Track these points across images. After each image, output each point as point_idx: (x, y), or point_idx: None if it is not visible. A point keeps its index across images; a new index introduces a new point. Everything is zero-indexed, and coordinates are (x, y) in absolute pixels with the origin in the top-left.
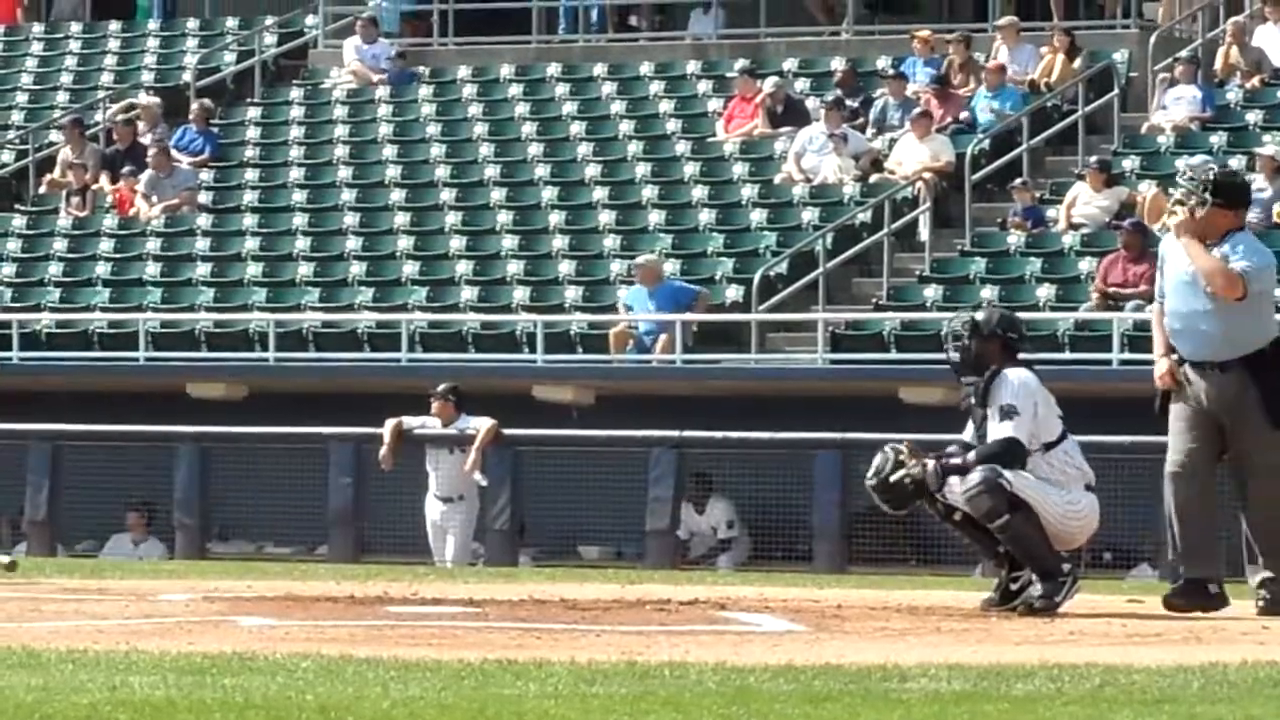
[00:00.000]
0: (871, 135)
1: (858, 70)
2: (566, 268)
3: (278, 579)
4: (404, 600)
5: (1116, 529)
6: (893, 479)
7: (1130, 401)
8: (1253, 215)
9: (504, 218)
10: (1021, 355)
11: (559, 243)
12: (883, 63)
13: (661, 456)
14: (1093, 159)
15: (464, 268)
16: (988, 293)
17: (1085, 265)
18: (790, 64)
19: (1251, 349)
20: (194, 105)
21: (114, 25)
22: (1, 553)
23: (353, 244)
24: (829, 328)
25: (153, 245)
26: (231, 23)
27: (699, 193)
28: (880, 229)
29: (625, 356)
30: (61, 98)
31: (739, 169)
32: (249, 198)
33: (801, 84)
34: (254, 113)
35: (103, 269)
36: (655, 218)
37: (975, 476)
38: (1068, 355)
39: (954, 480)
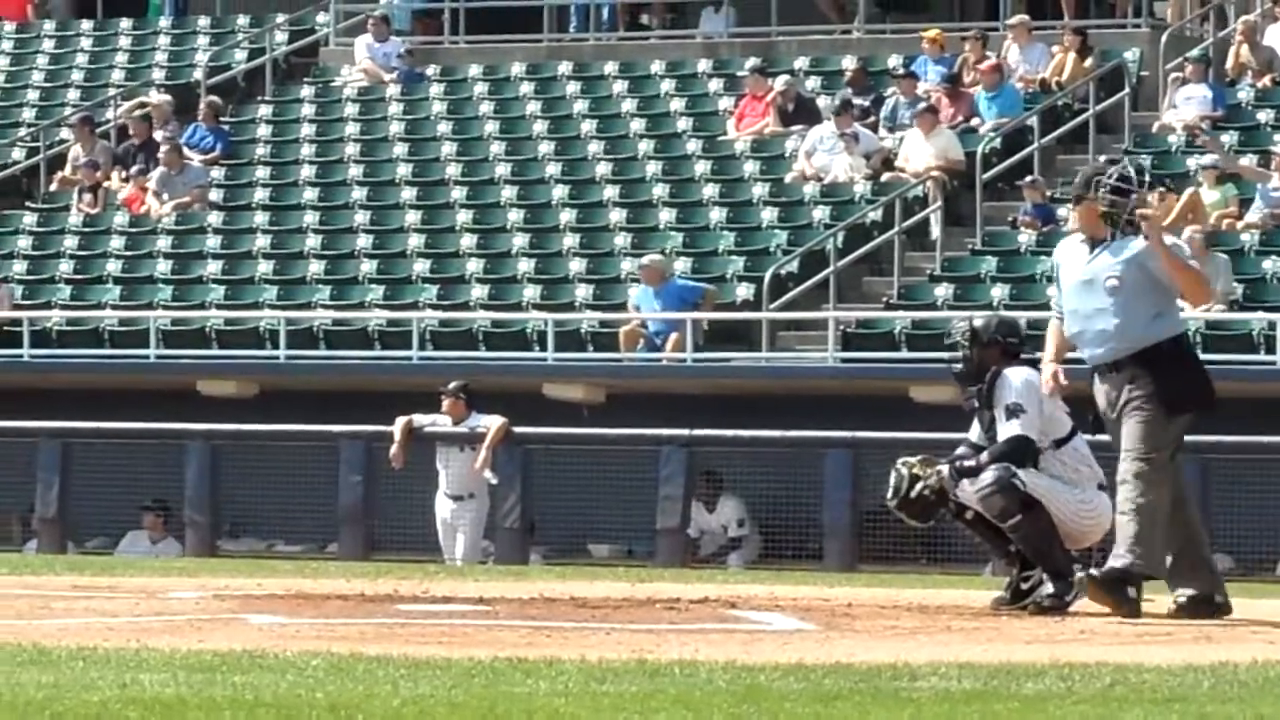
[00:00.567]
0: (883, 134)
1: (869, 69)
2: (577, 266)
3: (288, 577)
4: (414, 598)
5: None
6: (913, 494)
7: None
8: (1261, 213)
9: (515, 216)
10: (1024, 356)
11: (570, 241)
12: (894, 62)
13: (672, 455)
14: (1103, 158)
15: (475, 266)
16: (998, 291)
17: None
18: (801, 63)
19: (1149, 344)
20: (204, 103)
21: (125, 23)
22: None
23: (363, 242)
24: (840, 326)
25: (163, 243)
26: (243, 20)
27: (710, 191)
28: (891, 228)
29: (635, 355)
30: (73, 95)
31: (750, 167)
32: (260, 195)
33: (812, 83)
34: (265, 110)
35: (113, 266)
36: (666, 216)
37: (988, 476)
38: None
39: (966, 480)
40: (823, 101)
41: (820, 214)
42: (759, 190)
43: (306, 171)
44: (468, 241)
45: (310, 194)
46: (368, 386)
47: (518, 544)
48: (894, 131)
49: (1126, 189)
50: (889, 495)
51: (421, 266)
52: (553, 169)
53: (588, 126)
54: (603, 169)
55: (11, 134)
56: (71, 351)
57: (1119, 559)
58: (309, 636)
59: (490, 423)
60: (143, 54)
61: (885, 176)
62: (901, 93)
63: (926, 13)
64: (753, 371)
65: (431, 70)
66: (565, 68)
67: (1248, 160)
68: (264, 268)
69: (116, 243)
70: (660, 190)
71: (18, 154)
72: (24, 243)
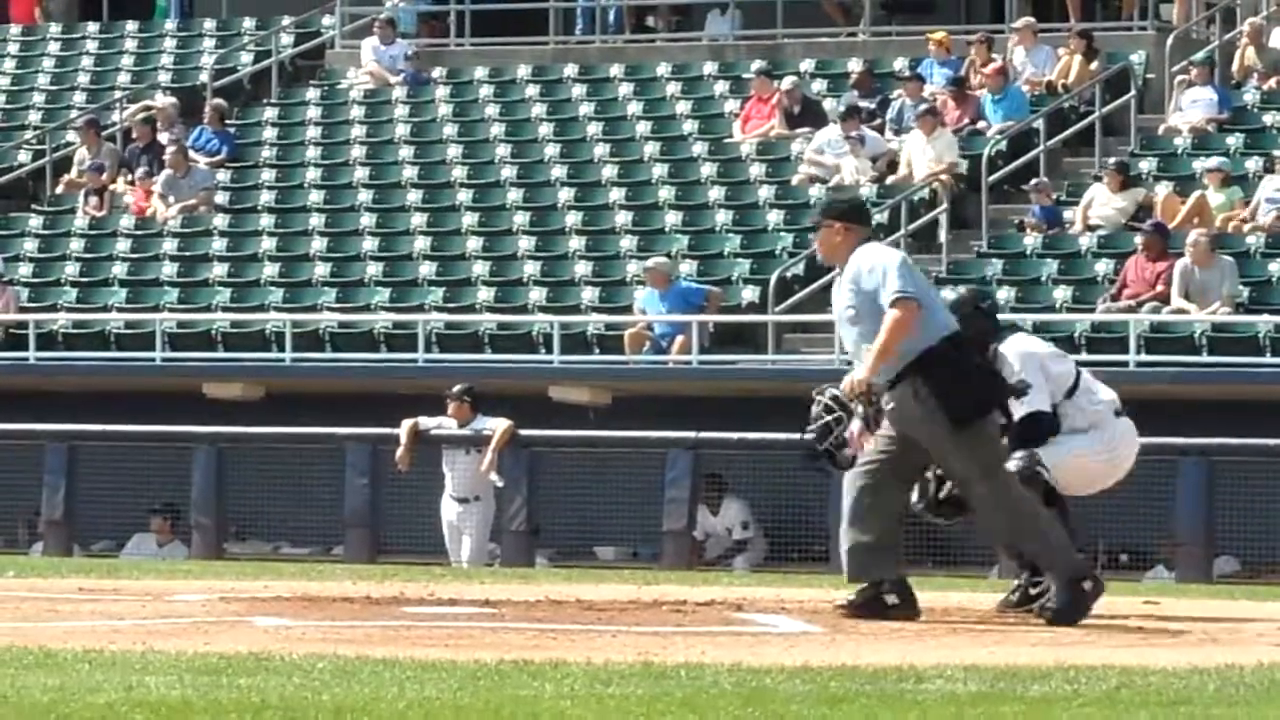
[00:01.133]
0: (888, 137)
1: (874, 71)
2: (583, 268)
3: (294, 579)
4: (420, 601)
5: (1132, 531)
6: (942, 494)
7: (1147, 403)
8: (1268, 216)
9: (520, 218)
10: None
11: (575, 243)
12: (900, 64)
13: (678, 458)
14: (1110, 160)
15: (480, 268)
16: (1004, 294)
17: (1102, 267)
18: (807, 65)
19: (916, 354)
20: (209, 105)
21: (131, 25)
22: None
23: (369, 245)
24: None
25: (169, 246)
26: (248, 23)
27: (715, 194)
28: (897, 230)
29: (641, 357)
30: (78, 98)
31: (756, 170)
32: (265, 198)
33: (818, 85)
34: (271, 113)
35: (119, 269)
36: (672, 218)
37: (1013, 466)
38: (1085, 356)
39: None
40: (828, 104)
41: None
42: (764, 193)
43: (312, 174)
44: (473, 244)
45: (316, 197)
46: (373, 389)
47: (523, 546)
48: (900, 134)
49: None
50: (915, 500)
51: (427, 269)
52: (558, 171)
53: (593, 129)
54: (608, 171)
55: (17, 136)
56: (77, 354)
57: (1053, 588)
58: (315, 639)
59: (496, 425)
60: (148, 57)
61: (891, 179)
62: (907, 95)
63: (932, 15)
64: (758, 374)
65: (437, 73)
66: (571, 70)
67: (1254, 163)
68: (269, 270)
69: (122, 245)
70: (666, 193)
71: (24, 157)
72: (30, 245)
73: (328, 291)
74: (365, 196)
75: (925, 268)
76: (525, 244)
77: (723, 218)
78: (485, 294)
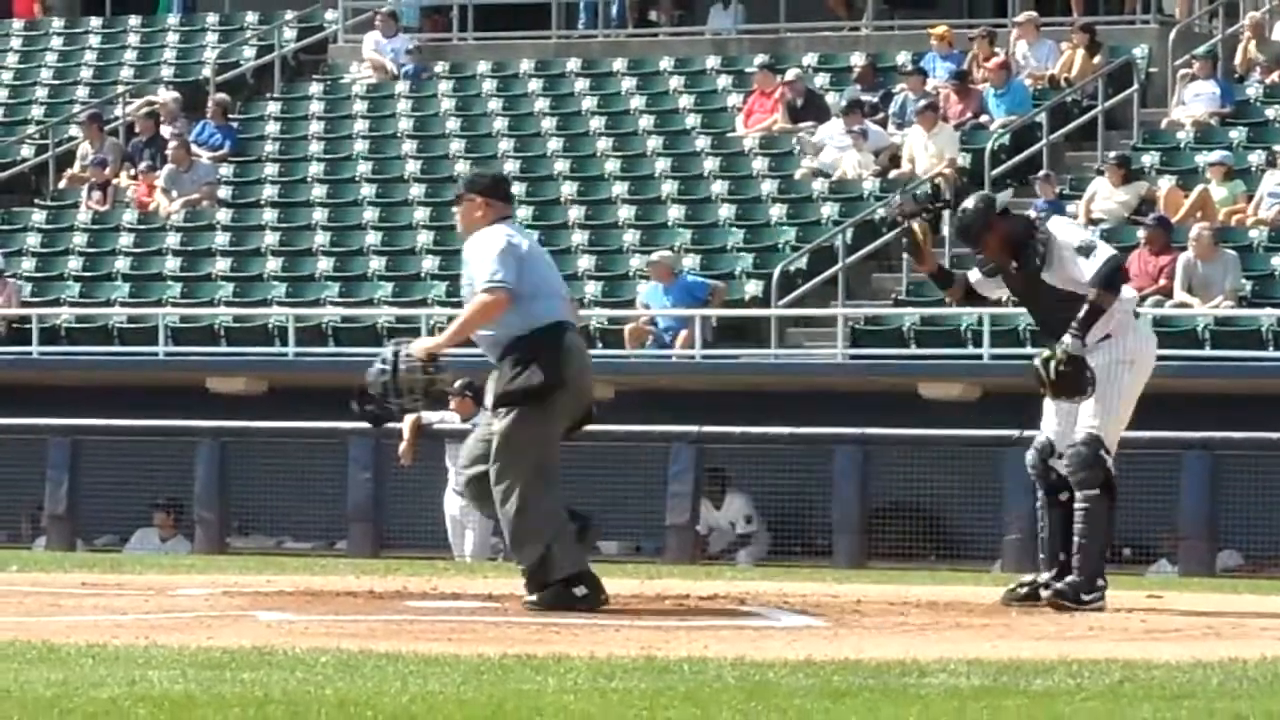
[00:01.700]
0: (891, 131)
1: (877, 66)
2: (586, 263)
3: (297, 574)
4: (423, 595)
5: (1135, 525)
6: (1053, 375)
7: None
8: (1271, 209)
9: (524, 212)
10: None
11: (578, 238)
12: (903, 58)
13: (681, 452)
14: (1112, 154)
15: None
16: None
17: None
18: (810, 59)
19: (509, 340)
20: (212, 100)
21: (134, 20)
22: None
23: (372, 239)
24: (849, 323)
25: (172, 240)
26: (251, 17)
27: (718, 188)
28: (900, 224)
29: (645, 352)
30: (81, 92)
31: (759, 164)
32: (268, 192)
33: (821, 79)
34: (274, 107)
35: (122, 264)
36: (675, 213)
37: (1080, 437)
38: None
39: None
40: (831, 98)
41: (829, 210)
42: (768, 187)
43: (315, 169)
44: None
45: (319, 191)
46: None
47: None
48: (902, 128)
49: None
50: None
51: (430, 263)
52: (561, 166)
53: (596, 123)
54: (611, 166)
55: (20, 131)
56: (80, 348)
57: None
58: (318, 633)
59: None
60: (151, 51)
61: (894, 173)
62: (910, 89)
63: (935, 9)
64: (762, 368)
65: (440, 67)
66: (574, 64)
67: (1256, 157)
68: (272, 264)
69: (125, 240)
70: (669, 187)
71: (27, 151)
72: (33, 240)
73: (331, 285)
74: (368, 190)
75: None
76: None
77: (725, 212)
78: None
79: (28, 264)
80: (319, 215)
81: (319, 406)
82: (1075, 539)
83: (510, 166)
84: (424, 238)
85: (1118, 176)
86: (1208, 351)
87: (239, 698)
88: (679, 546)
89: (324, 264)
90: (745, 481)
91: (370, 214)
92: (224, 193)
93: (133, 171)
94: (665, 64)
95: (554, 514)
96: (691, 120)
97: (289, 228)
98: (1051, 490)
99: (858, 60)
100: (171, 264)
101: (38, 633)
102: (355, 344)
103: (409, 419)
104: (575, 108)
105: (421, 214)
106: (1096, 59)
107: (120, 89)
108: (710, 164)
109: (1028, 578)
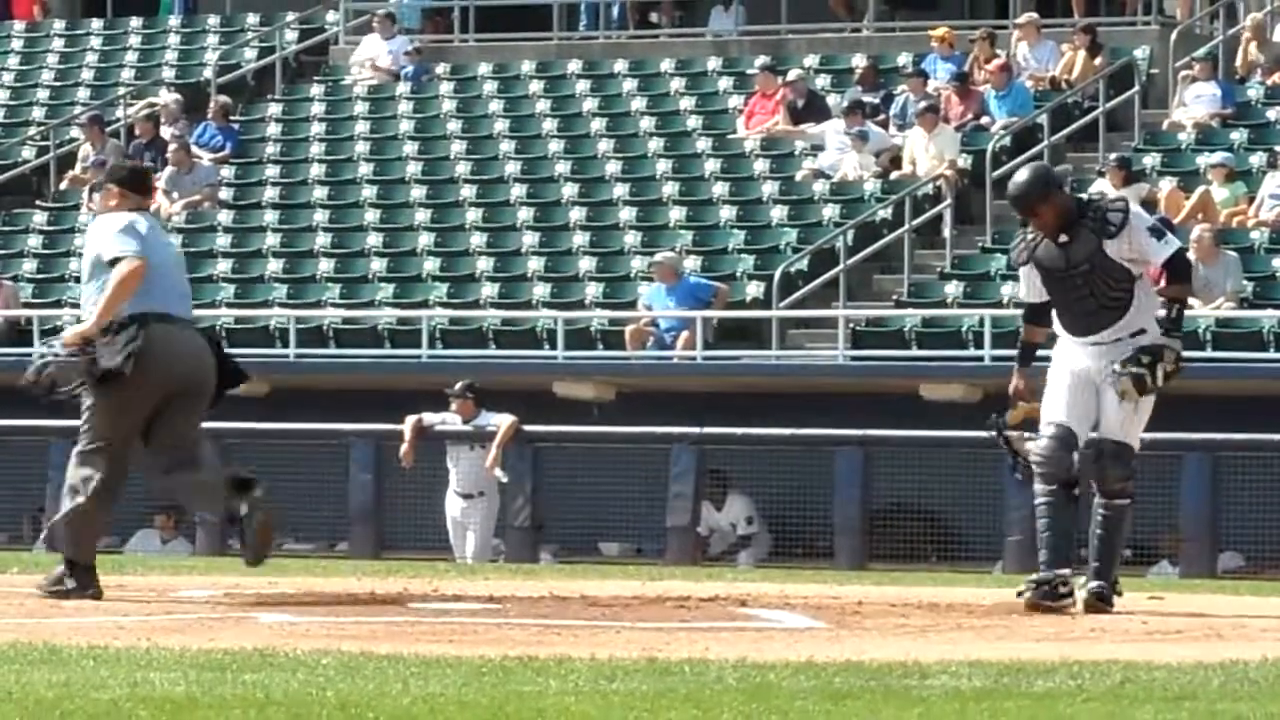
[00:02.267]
0: (893, 132)
1: (879, 67)
2: (587, 264)
3: (298, 575)
4: (424, 597)
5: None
6: (1159, 381)
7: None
8: (1272, 211)
9: (525, 214)
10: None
11: (580, 239)
12: (904, 59)
13: (682, 453)
14: (1113, 156)
15: (485, 264)
16: (1008, 289)
17: None
18: (811, 60)
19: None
20: (214, 101)
21: (135, 21)
22: None
23: (373, 240)
24: (850, 324)
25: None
26: (252, 19)
27: (720, 189)
28: (901, 225)
29: (645, 353)
30: (82, 94)
31: (760, 166)
32: (270, 194)
33: (822, 80)
34: (275, 109)
35: None
36: (676, 214)
37: (1123, 440)
38: None
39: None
40: (832, 100)
41: (830, 212)
42: (769, 188)
43: (316, 170)
44: (477, 240)
45: (320, 192)
46: (378, 385)
47: (528, 542)
48: (904, 130)
49: None
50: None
51: (431, 265)
52: (562, 167)
53: (597, 125)
54: (612, 167)
55: (21, 133)
56: None
57: None
58: (319, 635)
59: (500, 421)
60: (152, 53)
61: (895, 175)
62: (911, 91)
63: (936, 10)
64: (763, 369)
65: (441, 68)
66: (575, 66)
67: (1258, 159)
68: (274, 266)
69: None
70: (670, 188)
71: (28, 153)
72: (34, 241)
73: (332, 287)
74: (369, 192)
75: (929, 262)
76: (529, 239)
77: (727, 213)
78: (489, 289)
79: (29, 265)
80: (320, 217)
81: (320, 408)
82: (1102, 541)
83: (511, 168)
84: (425, 239)
85: (1119, 178)
86: (1209, 353)
87: (240, 699)
88: (680, 548)
89: (325, 265)
90: (746, 483)
91: (371, 215)
92: (225, 194)
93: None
94: (666, 65)
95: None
96: (692, 122)
97: (290, 229)
98: (1067, 484)
99: (859, 61)
100: None
101: (39, 634)
102: (357, 346)
103: (409, 420)
104: (576, 109)
105: (423, 215)
106: (1097, 60)
107: (121, 90)
108: (711, 165)
109: (1036, 576)
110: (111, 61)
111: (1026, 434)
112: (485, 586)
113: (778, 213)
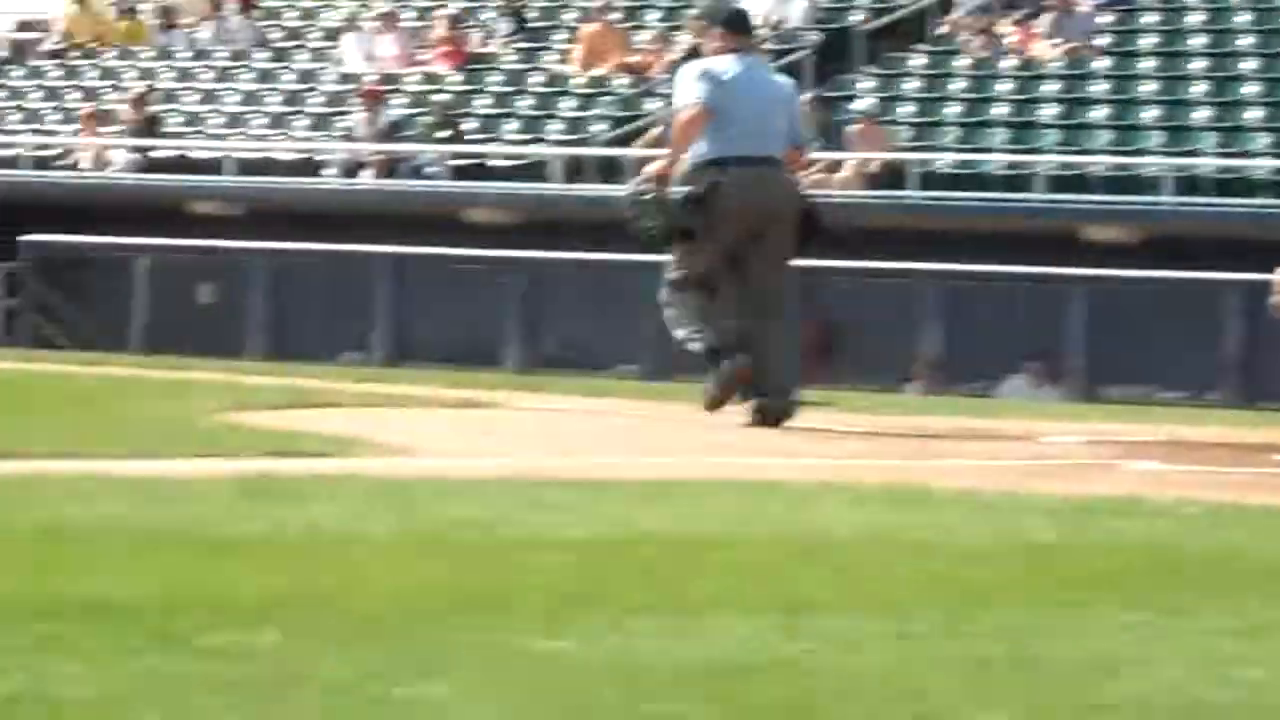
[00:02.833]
0: None
1: None
2: None
3: (1164, 423)
4: None
5: None
6: None
7: None
8: None
9: None
10: None
11: None
12: None
13: None
14: None
15: None
16: None
17: None
18: None
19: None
20: None
21: None
22: None
23: (1249, 90)
24: None
25: (1050, 88)
26: None
27: None
28: None
29: None
30: None
31: None
32: (1147, 42)
33: None
34: None
35: (1000, 110)
36: None
37: None
38: None
39: None
40: None
41: None
42: None
43: (1194, 19)
44: None
45: (1196, 41)
46: (1252, 235)
47: None
48: None
49: None
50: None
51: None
52: None
53: None
54: None
55: None
56: (960, 194)
57: None
58: (1189, 484)
59: None
60: None
61: None
62: None
63: None
64: None
65: None
66: None
67: None
68: (1152, 114)
69: (1004, 87)
70: None
71: None
72: (912, 84)
73: (1208, 136)
74: (1246, 41)
75: None
76: None
77: None
78: None
79: (906, 108)
80: (1197, 65)
81: (1191, 259)
82: None
83: None
84: None
85: None
86: None
87: (1102, 547)
88: None
89: (1202, 114)
90: None
91: (1250, 64)
92: (1103, 40)
93: (1014, 18)
94: None
95: None
96: None
97: (1168, 77)
98: None
99: None
100: (1050, 112)
101: (911, 475)
102: (1234, 195)
103: None
104: None
105: None
106: None
107: None
108: None
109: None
110: None
111: None
112: None
113: None
